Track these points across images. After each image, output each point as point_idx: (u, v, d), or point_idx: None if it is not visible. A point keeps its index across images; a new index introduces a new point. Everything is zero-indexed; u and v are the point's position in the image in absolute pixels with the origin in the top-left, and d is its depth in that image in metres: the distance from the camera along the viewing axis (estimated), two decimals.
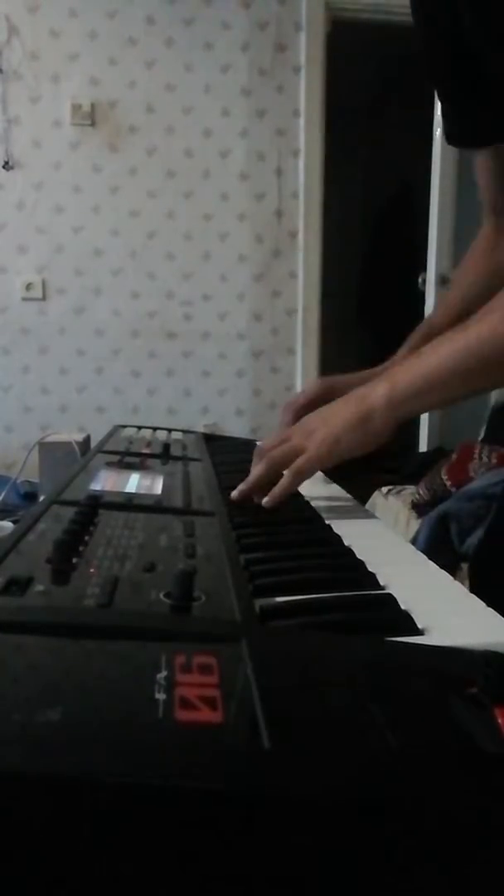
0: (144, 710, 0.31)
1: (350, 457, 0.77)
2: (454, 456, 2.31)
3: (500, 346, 0.72)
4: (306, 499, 0.83)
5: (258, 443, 0.90)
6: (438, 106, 0.96)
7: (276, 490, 0.75)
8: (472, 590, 0.56)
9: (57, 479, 0.97)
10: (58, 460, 1.34)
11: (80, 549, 0.55)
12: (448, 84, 0.90)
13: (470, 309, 0.88)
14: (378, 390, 0.75)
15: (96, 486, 0.78)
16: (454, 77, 0.87)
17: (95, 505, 0.66)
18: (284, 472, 0.76)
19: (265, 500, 0.74)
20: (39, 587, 0.47)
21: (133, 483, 0.82)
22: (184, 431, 1.29)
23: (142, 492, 0.78)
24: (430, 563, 0.63)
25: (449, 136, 0.96)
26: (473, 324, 0.75)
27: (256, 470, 0.77)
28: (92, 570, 0.51)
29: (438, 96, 0.93)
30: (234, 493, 0.78)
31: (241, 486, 0.78)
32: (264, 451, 0.79)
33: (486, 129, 0.89)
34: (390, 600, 0.50)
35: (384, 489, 2.54)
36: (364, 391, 0.77)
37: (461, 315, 0.90)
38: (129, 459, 0.95)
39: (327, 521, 0.74)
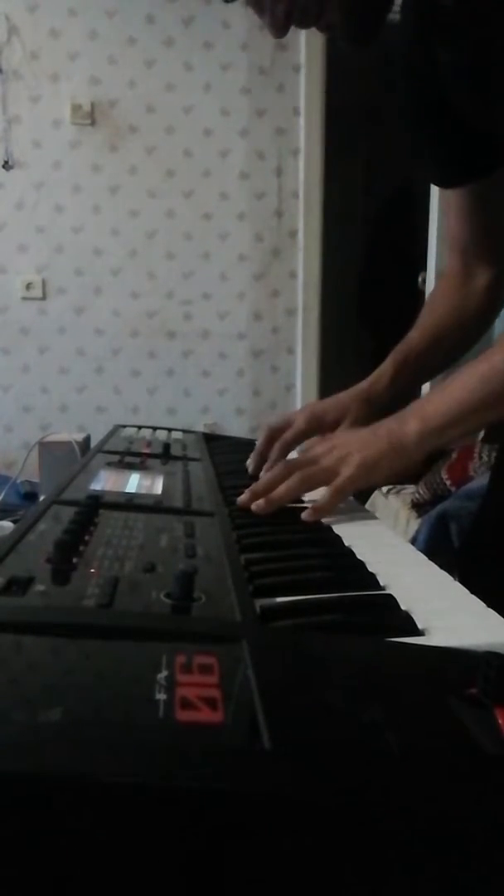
0: (145, 710, 0.31)
1: (382, 484, 0.81)
2: (454, 455, 2.31)
3: None
4: (306, 500, 0.83)
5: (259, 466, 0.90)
6: None
7: (322, 505, 0.75)
8: (461, 584, 0.57)
9: (57, 479, 0.97)
10: (58, 460, 1.34)
11: (81, 549, 0.55)
12: (422, 128, 0.93)
13: (444, 335, 1.00)
14: (410, 426, 0.77)
15: (96, 486, 0.78)
16: (430, 123, 0.91)
17: (95, 505, 0.66)
18: (324, 489, 0.76)
19: (308, 513, 0.74)
20: (40, 587, 0.47)
21: (133, 483, 0.82)
22: (184, 431, 1.29)
23: (142, 492, 0.78)
24: (430, 563, 0.63)
25: (425, 175, 0.99)
26: (496, 352, 0.77)
27: (289, 482, 0.76)
28: (92, 570, 0.51)
29: (415, 143, 0.97)
30: (245, 496, 0.76)
31: (257, 489, 0.77)
32: (292, 465, 0.79)
33: (456, 171, 0.92)
34: (390, 601, 0.51)
35: (384, 489, 2.54)
36: (394, 426, 0.78)
37: (438, 339, 0.99)
38: (129, 459, 0.95)
39: (327, 522, 0.74)
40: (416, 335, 1.00)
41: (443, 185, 0.98)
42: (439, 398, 0.79)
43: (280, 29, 0.73)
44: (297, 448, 0.95)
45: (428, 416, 0.77)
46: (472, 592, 0.54)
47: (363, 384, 0.98)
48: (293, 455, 0.97)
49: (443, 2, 0.76)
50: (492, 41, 0.74)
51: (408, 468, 0.78)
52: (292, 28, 0.73)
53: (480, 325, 1.03)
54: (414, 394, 0.99)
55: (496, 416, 0.80)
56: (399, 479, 0.75)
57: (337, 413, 0.94)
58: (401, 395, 0.96)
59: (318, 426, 0.94)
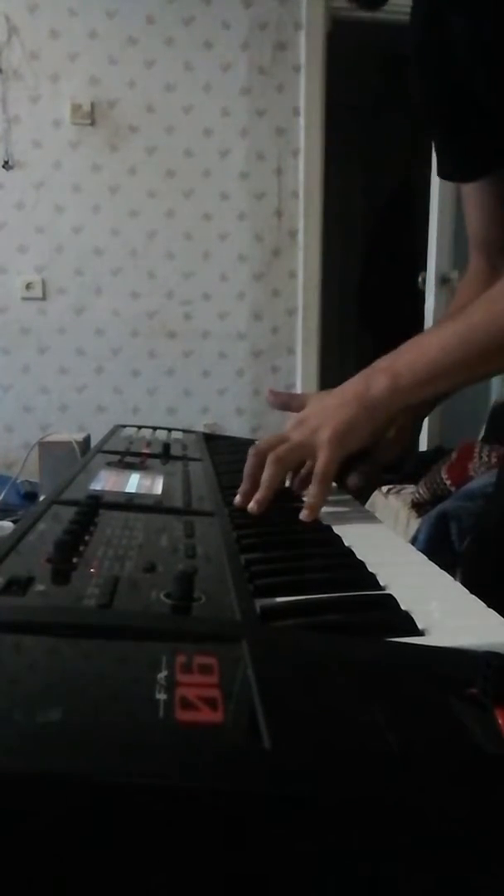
0: (145, 710, 0.31)
1: (358, 448, 0.76)
2: (454, 455, 2.31)
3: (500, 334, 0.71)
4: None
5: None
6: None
7: (312, 502, 0.72)
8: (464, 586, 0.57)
9: (57, 479, 0.97)
10: (58, 460, 1.34)
11: (81, 549, 0.55)
12: (441, 120, 0.90)
13: None
14: (379, 383, 0.74)
15: (96, 485, 0.78)
16: (448, 113, 0.87)
17: (95, 505, 0.66)
18: (310, 486, 0.73)
19: (304, 514, 0.72)
20: (40, 587, 0.47)
21: (133, 483, 0.82)
22: (184, 431, 1.29)
23: (142, 492, 0.78)
24: (430, 563, 0.63)
25: (442, 172, 0.94)
26: (476, 310, 0.74)
27: (268, 471, 0.73)
28: (92, 570, 0.51)
29: (430, 134, 0.93)
30: (238, 499, 0.75)
31: (245, 488, 0.75)
32: (262, 450, 0.76)
33: (478, 162, 0.89)
34: (390, 601, 0.51)
35: (384, 489, 2.54)
36: (361, 387, 0.75)
37: None
38: (129, 459, 0.95)
39: (327, 522, 0.74)
40: None
41: (461, 178, 0.94)
42: (412, 355, 0.75)
43: None
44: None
45: (399, 373, 0.74)
46: (474, 592, 0.54)
47: None
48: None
49: None
50: None
51: (377, 431, 0.76)
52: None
53: None
54: (440, 399, 0.90)
55: (470, 379, 0.76)
56: (368, 443, 0.76)
57: None
58: (432, 402, 0.89)
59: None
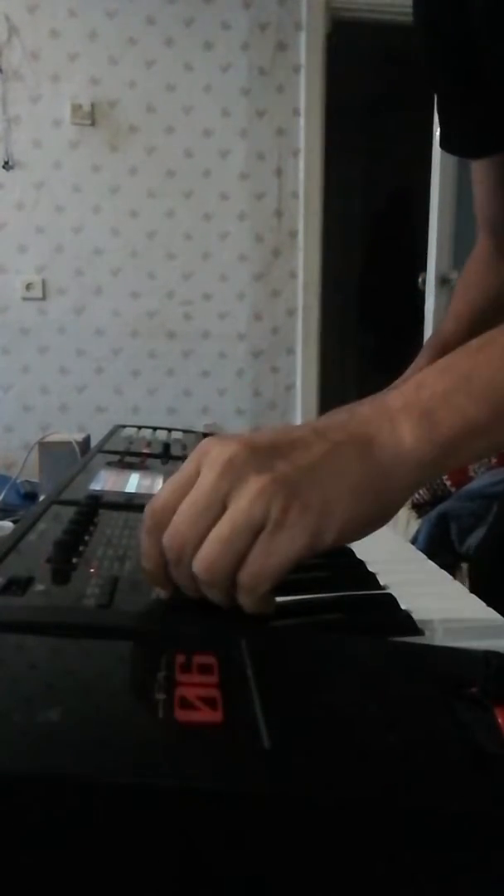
0: (144, 710, 0.31)
1: (353, 541, 0.46)
2: None
3: None
4: None
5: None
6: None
7: (251, 605, 0.43)
8: (472, 589, 0.56)
9: (57, 479, 0.97)
10: (58, 460, 1.34)
11: (80, 549, 0.55)
12: (451, 89, 0.84)
13: (482, 320, 0.86)
14: (402, 432, 0.44)
15: (96, 485, 0.78)
16: (458, 82, 0.82)
17: (95, 505, 0.66)
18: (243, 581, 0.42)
19: (247, 604, 0.43)
20: (39, 587, 0.47)
21: (133, 483, 0.82)
22: (184, 431, 1.29)
23: (142, 492, 0.78)
24: (430, 562, 0.63)
25: (448, 144, 0.88)
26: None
27: (201, 555, 0.41)
28: (92, 570, 0.51)
29: (438, 102, 0.87)
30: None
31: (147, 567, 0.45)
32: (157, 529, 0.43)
33: (489, 137, 0.83)
34: (390, 600, 0.50)
35: None
36: (365, 435, 0.44)
37: (473, 327, 0.86)
38: (129, 459, 0.95)
39: None
40: (450, 326, 0.90)
41: (472, 154, 0.89)
42: (447, 387, 0.45)
43: None
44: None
45: (436, 422, 0.44)
46: (485, 599, 0.54)
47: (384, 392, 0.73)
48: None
49: None
50: None
51: (395, 507, 0.45)
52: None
53: None
54: None
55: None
56: (367, 534, 0.41)
57: None
58: None
59: None
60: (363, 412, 0.45)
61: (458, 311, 0.93)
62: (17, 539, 0.56)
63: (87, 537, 0.58)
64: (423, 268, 3.49)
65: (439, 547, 1.84)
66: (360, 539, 0.45)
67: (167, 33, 3.28)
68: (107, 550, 0.55)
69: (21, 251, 3.30)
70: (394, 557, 0.64)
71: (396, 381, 0.83)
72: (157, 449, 1.03)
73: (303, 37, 3.34)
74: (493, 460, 2.18)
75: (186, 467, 0.43)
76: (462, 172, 3.19)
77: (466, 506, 1.91)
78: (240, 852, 0.27)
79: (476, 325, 0.87)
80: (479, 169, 0.90)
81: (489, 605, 0.52)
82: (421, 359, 0.90)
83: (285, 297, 3.52)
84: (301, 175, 3.45)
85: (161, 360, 3.45)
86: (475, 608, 0.52)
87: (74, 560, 0.52)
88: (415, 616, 0.48)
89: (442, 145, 0.90)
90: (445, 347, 0.86)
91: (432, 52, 0.83)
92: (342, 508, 0.42)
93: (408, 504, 2.35)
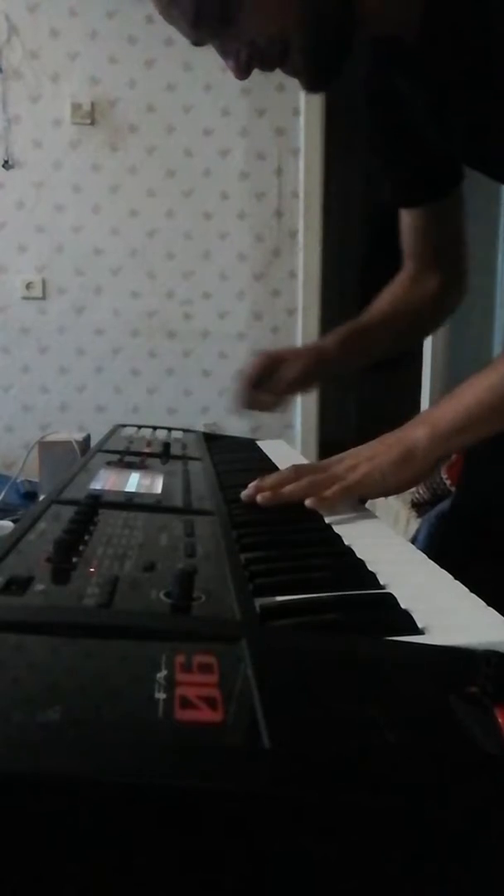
0: (144, 709, 0.31)
1: (395, 493, 0.81)
2: (454, 455, 2.30)
3: None
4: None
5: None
6: None
7: (328, 495, 0.76)
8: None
9: (57, 479, 0.97)
10: (58, 460, 1.34)
11: (80, 548, 0.55)
12: (386, 150, 1.00)
13: (391, 319, 1.10)
14: (418, 432, 0.79)
15: (96, 485, 0.78)
16: (392, 145, 0.98)
17: (95, 504, 0.66)
18: (333, 486, 0.77)
19: (312, 501, 0.75)
20: (39, 587, 0.47)
21: (133, 482, 0.82)
22: (184, 431, 1.29)
23: (142, 491, 0.78)
24: (430, 562, 0.63)
25: (388, 198, 1.06)
26: (502, 360, 0.79)
27: (298, 483, 0.78)
28: (92, 570, 0.51)
29: (377, 164, 1.03)
30: (249, 490, 0.78)
31: (261, 485, 0.78)
32: (303, 471, 0.81)
33: (419, 191, 1.01)
34: (390, 600, 0.50)
35: None
36: (403, 436, 0.80)
37: (385, 321, 1.10)
38: (129, 459, 0.95)
39: (327, 521, 0.74)
40: (366, 315, 1.11)
41: (402, 205, 1.05)
42: (448, 405, 0.80)
43: (243, 73, 0.76)
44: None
45: (436, 423, 0.79)
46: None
47: (316, 341, 1.09)
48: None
49: (405, 40, 0.78)
50: (451, 83, 0.78)
51: (417, 477, 0.80)
52: (256, 71, 0.75)
53: (428, 322, 1.16)
54: (361, 362, 1.12)
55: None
56: (409, 486, 0.83)
57: (292, 355, 1.07)
58: (347, 359, 1.08)
59: (274, 364, 1.06)
60: (410, 422, 0.81)
61: (373, 306, 1.12)
62: (17, 539, 0.56)
63: (87, 537, 0.58)
64: None
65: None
66: (404, 491, 0.82)
67: (167, 33, 3.26)
68: (107, 550, 0.55)
69: (21, 251, 3.29)
70: (394, 557, 0.64)
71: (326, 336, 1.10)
72: (157, 448, 1.03)
73: None
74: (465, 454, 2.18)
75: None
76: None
77: None
78: (240, 852, 0.27)
79: (385, 320, 1.10)
80: (406, 215, 1.06)
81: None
82: (337, 329, 1.10)
83: (285, 297, 3.52)
84: (301, 175, 3.45)
85: (161, 360, 3.45)
86: (475, 608, 0.52)
87: (74, 560, 0.52)
88: (415, 615, 0.48)
89: (391, 200, 1.08)
90: (356, 326, 1.09)
91: (370, 119, 0.99)
92: (382, 469, 0.78)
93: (408, 504, 2.35)
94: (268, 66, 0.75)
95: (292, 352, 1.11)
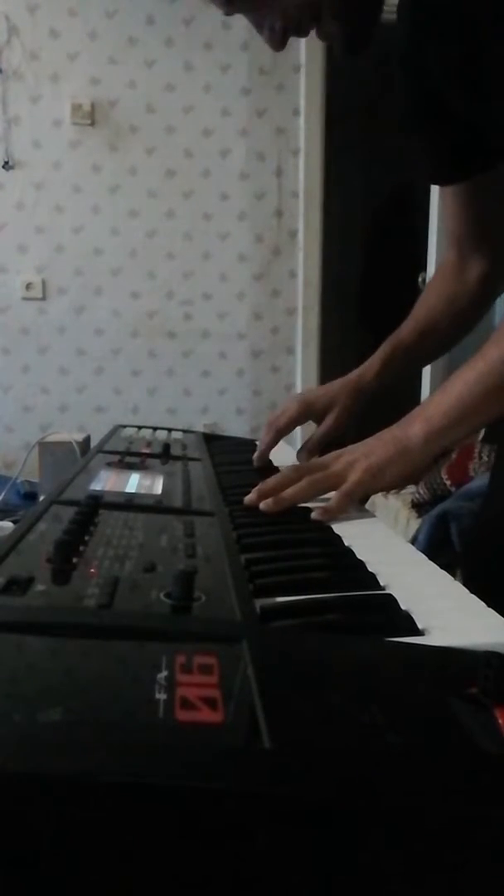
0: (145, 710, 0.31)
1: (393, 488, 0.83)
2: (454, 455, 2.30)
3: None
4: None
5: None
6: None
7: (332, 506, 0.76)
8: (465, 584, 0.57)
9: (57, 479, 0.97)
10: (58, 460, 1.34)
11: (81, 549, 0.55)
12: (424, 128, 0.96)
13: (435, 325, 1.02)
14: (414, 428, 0.79)
15: (96, 486, 0.78)
16: (427, 120, 0.93)
17: (95, 505, 0.66)
18: (332, 494, 0.77)
19: (318, 513, 0.75)
20: (40, 587, 0.47)
21: (133, 483, 0.82)
22: (184, 431, 1.29)
23: (142, 492, 0.78)
24: (430, 563, 0.63)
25: (426, 175, 1.01)
26: (491, 347, 0.78)
27: (299, 485, 0.77)
28: (92, 570, 0.51)
29: (412, 140, 0.99)
30: (252, 496, 0.77)
31: (263, 489, 0.77)
32: (303, 470, 0.80)
33: (459, 167, 0.95)
34: (390, 600, 0.50)
35: None
36: (398, 432, 0.79)
37: (429, 329, 1.02)
38: (129, 459, 0.95)
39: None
40: (407, 326, 1.04)
41: (440, 182, 1.00)
42: (441, 399, 0.80)
43: (278, 43, 0.76)
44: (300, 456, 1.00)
45: (431, 418, 0.79)
46: (474, 592, 0.54)
47: (353, 374, 1.01)
48: (292, 456, 0.99)
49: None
50: (482, 40, 0.75)
51: (415, 471, 0.80)
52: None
53: (473, 315, 1.06)
54: (403, 382, 1.04)
55: (498, 412, 0.80)
56: (408, 482, 0.76)
57: (327, 400, 0.99)
58: (389, 384, 1.01)
59: (308, 412, 0.99)
60: (404, 419, 0.80)
61: (416, 315, 1.05)
62: (17, 539, 0.56)
63: (87, 537, 0.58)
64: (424, 268, 3.49)
65: (439, 547, 1.84)
66: (404, 486, 0.75)
67: (167, 33, 3.28)
68: (107, 550, 0.55)
69: (21, 251, 3.29)
70: (394, 557, 0.64)
71: (352, 372, 1.02)
72: (157, 449, 1.03)
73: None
74: (493, 461, 2.18)
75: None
76: None
77: (466, 505, 1.90)
78: (239, 852, 0.27)
79: (427, 328, 1.02)
80: (448, 193, 1.00)
81: (482, 598, 0.53)
82: (376, 354, 1.02)
83: (285, 297, 3.52)
84: (301, 175, 3.45)
85: (161, 360, 3.45)
86: (475, 608, 0.52)
87: (74, 560, 0.52)
88: (415, 616, 0.48)
89: (427, 178, 1.03)
90: (398, 345, 1.02)
91: (407, 96, 0.94)
92: (379, 465, 0.78)
93: (408, 504, 2.35)
94: (303, 33, 0.76)
95: (327, 395, 1.00)
